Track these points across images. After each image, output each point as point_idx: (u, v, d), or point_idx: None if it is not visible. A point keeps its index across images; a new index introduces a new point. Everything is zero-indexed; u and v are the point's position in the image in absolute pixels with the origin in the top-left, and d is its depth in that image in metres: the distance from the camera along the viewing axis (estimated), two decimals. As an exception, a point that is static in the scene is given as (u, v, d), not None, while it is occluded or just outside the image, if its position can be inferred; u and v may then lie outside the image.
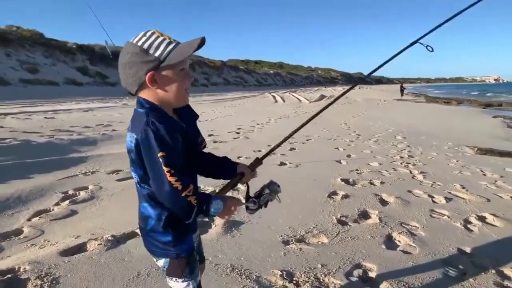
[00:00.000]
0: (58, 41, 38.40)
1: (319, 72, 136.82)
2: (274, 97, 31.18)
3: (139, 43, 1.24)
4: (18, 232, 3.08)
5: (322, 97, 30.94)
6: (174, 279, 1.42)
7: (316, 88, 63.08)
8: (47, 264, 2.44)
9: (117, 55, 1.32)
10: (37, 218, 3.37)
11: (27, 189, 3.99)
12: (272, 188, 1.55)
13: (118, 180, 4.62)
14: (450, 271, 2.62)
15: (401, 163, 6.51)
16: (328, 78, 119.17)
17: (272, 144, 1.67)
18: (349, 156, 7.01)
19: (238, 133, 9.64)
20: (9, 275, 2.28)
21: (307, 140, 8.82)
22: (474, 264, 2.75)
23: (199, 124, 1.50)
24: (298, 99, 29.29)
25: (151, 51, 1.23)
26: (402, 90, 36.42)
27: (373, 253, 2.85)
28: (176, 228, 1.36)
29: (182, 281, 1.41)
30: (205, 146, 1.55)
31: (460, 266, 2.70)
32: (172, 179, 1.19)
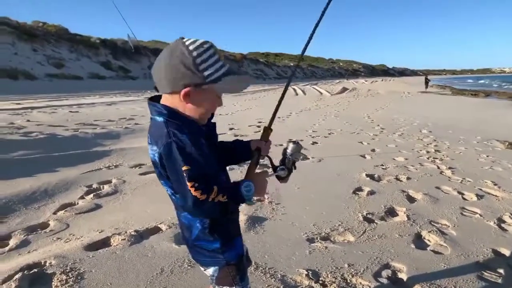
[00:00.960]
0: (82, 36, 39.20)
1: (341, 64, 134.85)
2: (294, 90, 30.87)
3: (194, 54, 1.15)
4: (44, 225, 3.11)
5: (344, 89, 30.39)
6: (225, 287, 1.37)
7: (337, 81, 62.18)
8: (72, 259, 2.45)
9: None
10: (62, 211, 3.40)
11: (53, 182, 4.05)
12: (293, 148, 1.48)
13: (141, 174, 4.63)
14: (486, 273, 2.49)
15: (428, 158, 6.30)
16: (349, 70, 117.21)
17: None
18: (373, 150, 6.84)
19: (259, 126, 9.56)
20: (35, 270, 2.29)
21: (329, 134, 8.67)
22: (510, 266, 2.60)
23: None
24: (319, 91, 28.89)
25: (201, 67, 1.16)
26: (426, 82, 35.35)
27: (402, 252, 2.74)
28: (222, 233, 1.32)
29: None
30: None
31: (497, 269, 2.56)
32: (197, 193, 1.14)
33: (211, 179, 1.19)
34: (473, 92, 35.30)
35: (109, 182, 4.28)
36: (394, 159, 6.17)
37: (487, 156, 6.78)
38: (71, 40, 36.21)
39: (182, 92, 1.17)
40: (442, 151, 7.13)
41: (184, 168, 1.13)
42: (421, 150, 7.04)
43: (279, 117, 11.77)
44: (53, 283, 2.17)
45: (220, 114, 11.99)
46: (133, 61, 51.27)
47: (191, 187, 1.13)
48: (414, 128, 10.36)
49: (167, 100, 1.24)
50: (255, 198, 1.29)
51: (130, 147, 6.18)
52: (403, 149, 7.09)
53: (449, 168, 5.62)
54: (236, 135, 7.95)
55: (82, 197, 3.78)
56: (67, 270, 2.29)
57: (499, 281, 2.42)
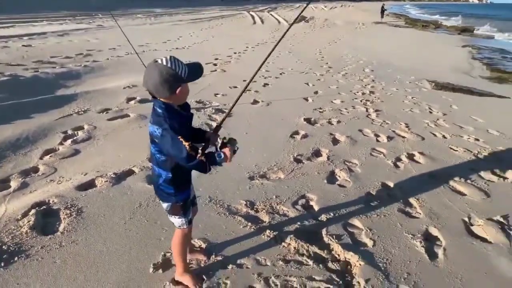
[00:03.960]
0: None
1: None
2: (252, 17, 30.38)
3: (172, 66, 1.84)
4: (35, 169, 3.79)
5: (302, 18, 30.30)
6: (173, 216, 2.22)
7: (298, 5, 60.76)
8: (70, 198, 3.23)
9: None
10: (47, 156, 4.07)
11: (31, 129, 4.62)
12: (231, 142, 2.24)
13: (109, 120, 5.26)
14: (371, 200, 3.58)
15: (361, 101, 7.29)
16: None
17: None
18: (316, 92, 7.74)
19: (215, 64, 10.06)
20: (44, 207, 3.06)
21: (280, 74, 9.40)
22: (389, 195, 3.70)
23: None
24: (278, 20, 28.69)
25: (179, 72, 1.86)
26: (382, 11, 35.85)
27: (316, 186, 3.76)
28: (176, 185, 2.12)
29: (178, 218, 2.22)
30: None
31: (379, 196, 3.65)
32: (190, 151, 1.90)
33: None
34: (424, 23, 36.44)
35: (81, 128, 4.90)
36: (332, 101, 7.12)
37: (412, 97, 7.90)
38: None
39: (178, 91, 1.91)
40: (376, 92, 8.16)
41: (179, 138, 1.88)
42: (357, 92, 8.02)
43: (235, 53, 12.24)
44: (60, 216, 2.97)
45: (177, 48, 12.22)
46: (77, -26, 46.59)
47: (188, 145, 1.88)
48: (359, 67, 11.28)
49: (166, 100, 1.95)
50: (223, 163, 2.10)
51: (93, 89, 6.64)
52: (342, 90, 8.04)
53: (376, 110, 6.66)
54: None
55: (61, 143, 4.42)
56: (68, 206, 3.09)
57: (379, 205, 3.50)
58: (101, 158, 4.09)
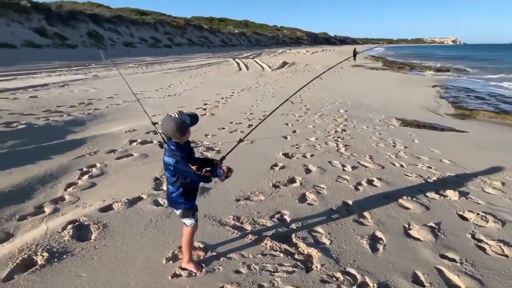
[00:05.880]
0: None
1: (285, 31, 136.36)
2: (238, 64, 32.28)
3: (182, 117, 2.84)
4: (62, 198, 4.67)
5: (284, 64, 32.33)
6: (185, 218, 3.15)
7: (280, 50, 64.08)
8: (95, 217, 4.10)
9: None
10: (70, 188, 4.95)
11: (53, 168, 5.51)
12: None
13: (117, 159, 6.20)
14: (333, 214, 4.52)
15: (333, 138, 8.38)
16: (293, 39, 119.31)
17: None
18: (294, 131, 8.83)
19: (204, 109, 11.19)
20: (77, 223, 3.93)
21: (263, 116, 10.53)
22: (347, 210, 4.66)
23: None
24: (261, 66, 30.57)
25: (186, 121, 2.87)
26: (355, 54, 38.35)
27: (290, 205, 4.70)
28: (186, 197, 3.06)
29: (188, 219, 3.15)
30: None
31: (340, 212, 4.60)
32: (196, 170, 2.86)
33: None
34: (400, 65, 39.01)
35: (94, 166, 5.82)
36: (308, 139, 8.19)
37: (380, 134, 9.02)
38: None
39: (186, 134, 2.90)
40: (347, 130, 9.30)
41: (189, 164, 2.85)
42: (331, 130, 9.14)
43: (222, 98, 13.43)
44: (91, 229, 3.84)
45: (169, 95, 13.40)
46: (70, 27, 48.90)
47: (195, 168, 2.85)
48: (334, 108, 12.54)
49: (176, 139, 2.93)
50: (223, 177, 3.05)
51: (99, 134, 7.61)
52: (318, 129, 9.16)
53: (345, 145, 7.73)
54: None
55: (79, 178, 5.32)
56: (96, 222, 3.96)
57: (338, 217, 4.44)
58: (114, 189, 4.99)
